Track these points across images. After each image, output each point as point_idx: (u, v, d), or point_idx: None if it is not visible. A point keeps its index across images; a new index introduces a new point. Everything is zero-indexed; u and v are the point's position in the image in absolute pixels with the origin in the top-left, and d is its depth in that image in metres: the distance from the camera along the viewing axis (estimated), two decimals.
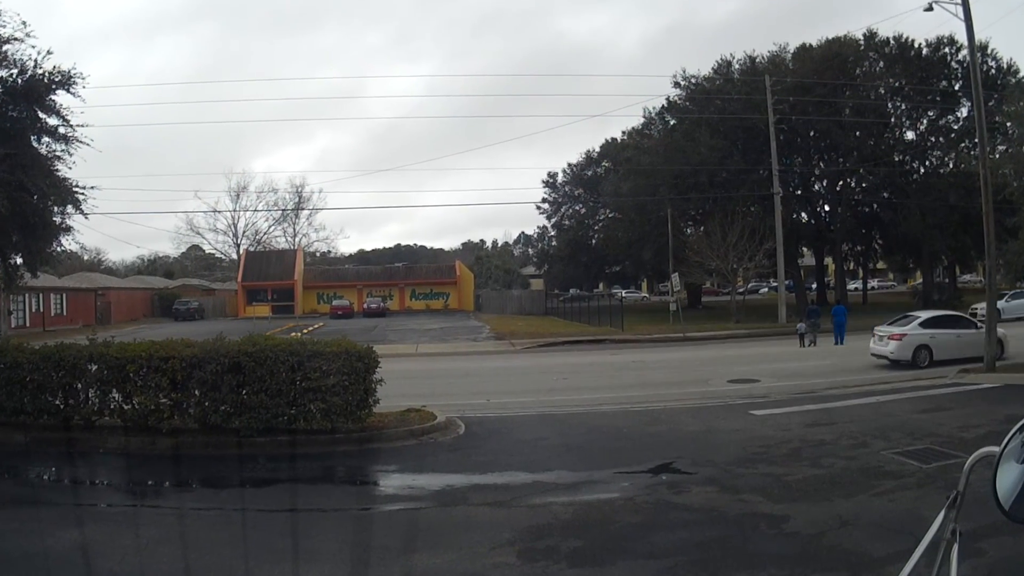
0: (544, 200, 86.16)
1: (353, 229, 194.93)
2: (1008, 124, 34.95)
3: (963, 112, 55.34)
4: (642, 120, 70.70)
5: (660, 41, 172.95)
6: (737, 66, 60.12)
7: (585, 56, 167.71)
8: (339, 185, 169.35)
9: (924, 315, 26.87)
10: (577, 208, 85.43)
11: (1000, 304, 33.48)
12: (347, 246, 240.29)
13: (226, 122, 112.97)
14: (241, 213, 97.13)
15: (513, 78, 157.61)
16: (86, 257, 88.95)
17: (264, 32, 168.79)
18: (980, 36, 58.59)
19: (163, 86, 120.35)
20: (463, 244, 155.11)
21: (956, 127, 56.43)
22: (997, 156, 32.92)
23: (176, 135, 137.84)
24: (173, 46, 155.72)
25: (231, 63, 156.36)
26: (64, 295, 65.34)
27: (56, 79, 17.23)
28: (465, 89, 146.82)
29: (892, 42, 56.41)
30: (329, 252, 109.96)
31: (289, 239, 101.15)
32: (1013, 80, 52.68)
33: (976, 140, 28.94)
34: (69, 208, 18.10)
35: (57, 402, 13.91)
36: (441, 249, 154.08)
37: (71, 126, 17.56)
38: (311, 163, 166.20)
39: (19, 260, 18.98)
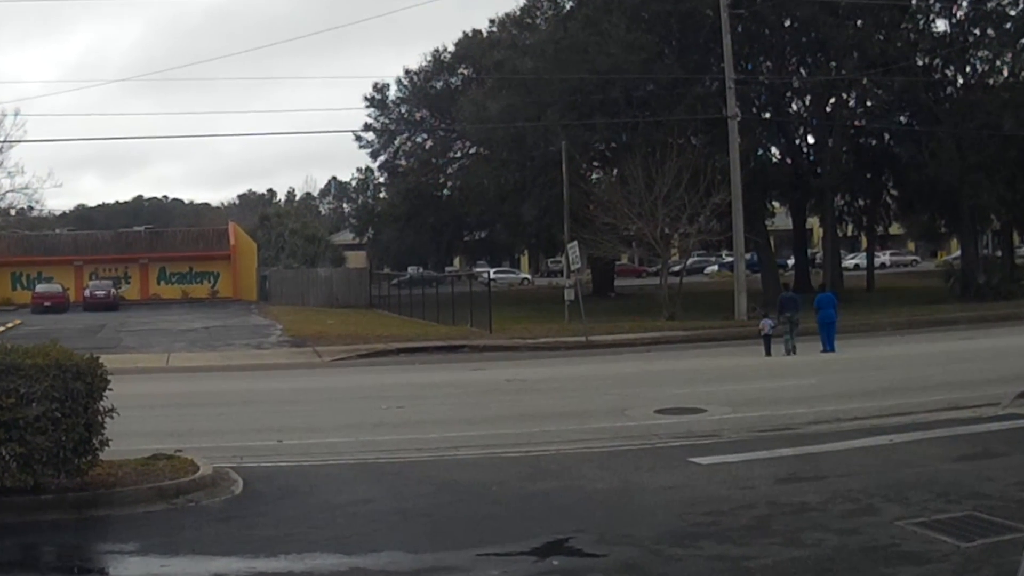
0: (368, 127, 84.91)
1: (90, 173, 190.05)
2: None
3: None
4: (522, 3, 71.31)
5: None
6: None
7: None
8: (86, 103, 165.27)
9: None
10: (420, 140, 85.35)
11: None
12: (60, 200, 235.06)
13: None
14: None
15: None
16: None
17: None
18: None
19: None
20: (240, 197, 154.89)
21: (1013, 14, 57.84)
22: None
23: None
24: None
25: None
26: None
27: None
28: None
29: None
30: (32, 209, 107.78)
31: None
32: None
33: None
34: None
35: None
36: (206, 204, 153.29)
37: None
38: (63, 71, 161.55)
39: None
